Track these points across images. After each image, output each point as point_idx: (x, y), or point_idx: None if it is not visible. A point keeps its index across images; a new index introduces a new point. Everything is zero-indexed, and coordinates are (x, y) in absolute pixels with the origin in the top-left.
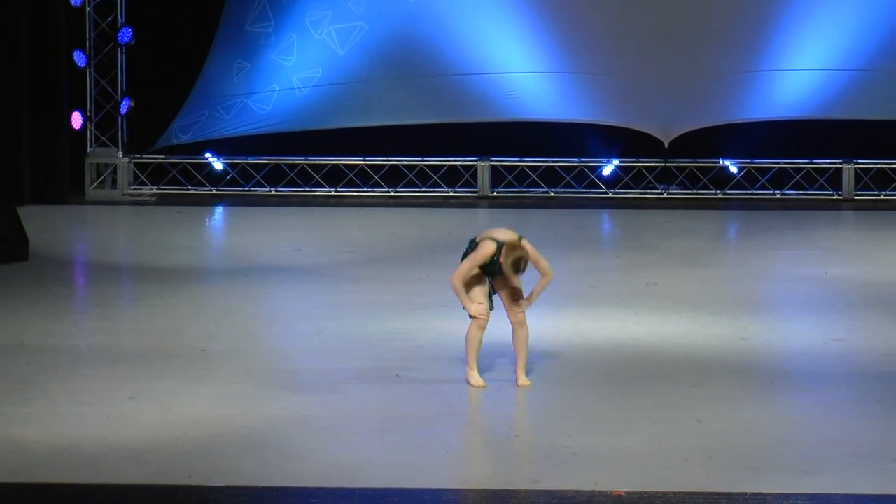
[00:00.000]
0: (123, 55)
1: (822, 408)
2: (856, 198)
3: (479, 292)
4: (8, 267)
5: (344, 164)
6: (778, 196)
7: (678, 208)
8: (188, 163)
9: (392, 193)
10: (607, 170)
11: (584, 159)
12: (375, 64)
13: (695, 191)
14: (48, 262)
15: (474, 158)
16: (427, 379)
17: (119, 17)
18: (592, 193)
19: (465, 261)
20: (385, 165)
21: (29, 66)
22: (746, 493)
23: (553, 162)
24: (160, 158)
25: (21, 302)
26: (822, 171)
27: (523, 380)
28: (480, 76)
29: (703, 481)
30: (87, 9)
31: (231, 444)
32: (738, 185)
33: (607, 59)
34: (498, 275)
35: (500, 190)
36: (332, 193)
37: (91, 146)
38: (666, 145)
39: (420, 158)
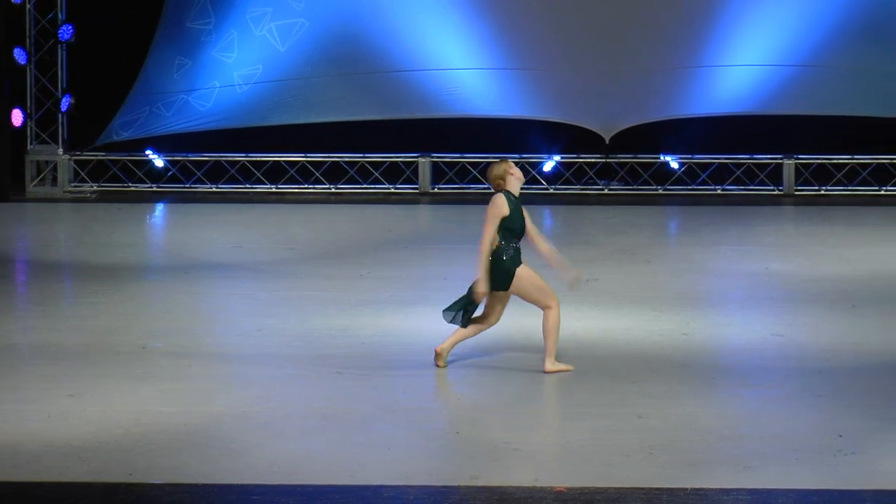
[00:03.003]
0: (64, 52)
1: (762, 403)
2: (796, 193)
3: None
4: None
5: (285, 161)
6: (719, 192)
7: (619, 204)
8: (129, 160)
9: (333, 190)
10: (548, 166)
11: (525, 155)
12: (316, 61)
13: (636, 187)
14: None
15: (415, 155)
16: (368, 375)
17: (59, 14)
18: (534, 189)
19: (485, 224)
20: (326, 162)
21: None
22: (687, 489)
23: (494, 158)
24: (101, 156)
25: None
26: (762, 167)
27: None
28: (421, 73)
29: (644, 477)
30: (28, 6)
31: (172, 442)
32: (679, 181)
33: (548, 55)
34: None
35: (440, 186)
36: (273, 190)
37: (31, 143)
38: (607, 141)
39: (361, 155)
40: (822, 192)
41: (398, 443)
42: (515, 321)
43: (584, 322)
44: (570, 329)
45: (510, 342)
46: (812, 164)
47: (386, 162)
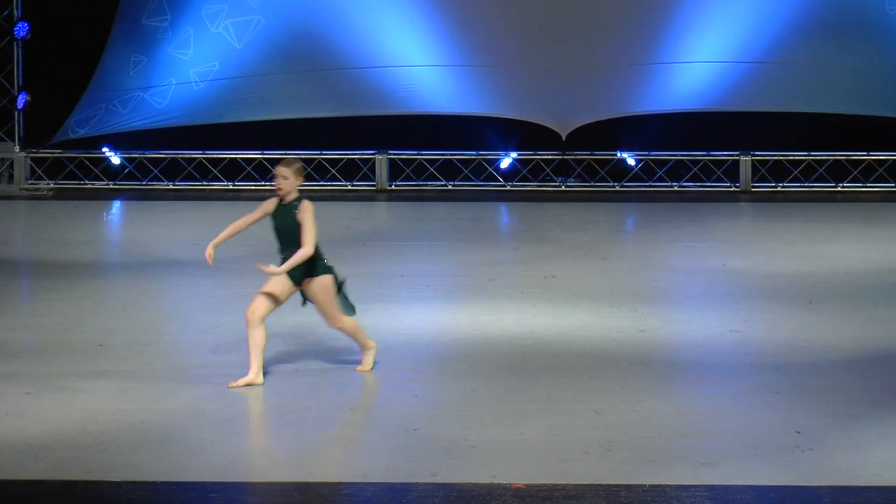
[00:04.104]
0: (20, 49)
1: (720, 399)
2: (753, 189)
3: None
4: None
5: (242, 158)
6: (675, 188)
7: (576, 201)
8: (85, 157)
9: None
10: (505, 163)
11: (481, 152)
12: (273, 58)
13: (593, 183)
14: None
15: (372, 152)
16: (325, 372)
17: (15, 11)
18: (490, 186)
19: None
20: (283, 159)
21: None
22: (645, 485)
23: (451, 155)
24: (57, 153)
25: None
26: (719, 163)
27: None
28: (377, 69)
29: (603, 473)
30: None
31: (129, 439)
32: (635, 178)
33: (504, 52)
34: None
35: (398, 183)
36: (230, 187)
37: None
38: (563, 138)
39: (318, 152)
40: (779, 189)
41: (356, 440)
42: (469, 318)
43: (540, 319)
44: (526, 326)
45: (465, 339)
46: (769, 160)
47: (343, 159)
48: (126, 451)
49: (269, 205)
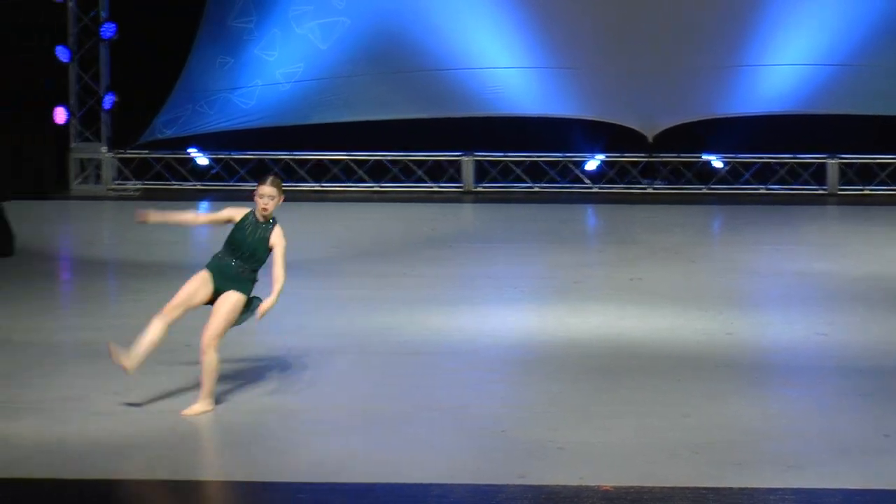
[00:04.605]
0: (106, 50)
1: (806, 402)
2: (840, 192)
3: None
4: None
5: (328, 159)
6: (762, 191)
7: (662, 203)
8: (172, 158)
9: (376, 188)
10: (591, 165)
11: (568, 154)
12: (358, 59)
13: (679, 186)
14: (33, 257)
15: (459, 153)
16: (413, 374)
17: (102, 12)
18: (577, 188)
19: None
20: (369, 160)
21: (11, 60)
22: (734, 488)
23: (537, 157)
24: (144, 153)
25: (6, 298)
26: (806, 166)
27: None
28: (464, 71)
29: (690, 476)
30: (69, 4)
31: (218, 439)
32: (722, 180)
33: (592, 54)
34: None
35: (484, 185)
36: (317, 188)
37: (75, 141)
38: (650, 140)
39: (405, 153)
40: (866, 192)
41: (443, 441)
42: (556, 321)
43: (626, 321)
44: (613, 328)
45: (553, 341)
46: (855, 163)
47: (429, 160)
48: (214, 451)
49: (238, 214)
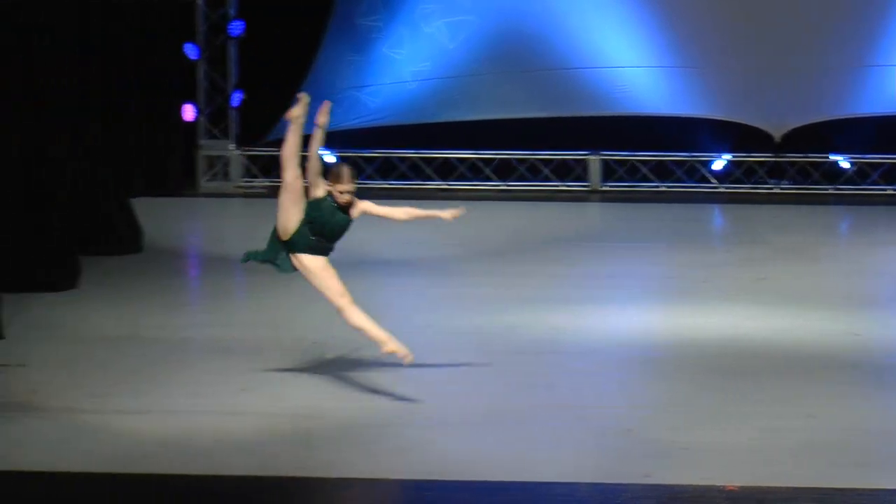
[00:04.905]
0: (234, 48)
1: None
2: None
3: None
4: (121, 259)
5: (455, 158)
6: (890, 191)
7: (789, 203)
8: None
9: (503, 187)
10: (718, 164)
11: (694, 154)
12: (485, 58)
13: (806, 186)
14: (161, 253)
15: (585, 152)
16: (536, 372)
17: (230, 10)
18: (703, 188)
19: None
20: (495, 159)
21: (141, 58)
22: (859, 489)
23: (664, 156)
24: (272, 151)
25: (134, 294)
26: None
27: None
28: (590, 70)
29: (814, 477)
30: (198, 1)
31: (343, 436)
32: (849, 181)
33: (718, 54)
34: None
35: (610, 184)
36: (443, 187)
37: (203, 138)
38: (777, 140)
39: (531, 152)
40: None
41: (568, 440)
42: (682, 320)
43: (752, 321)
44: (738, 328)
45: (678, 341)
46: None
47: (556, 159)
48: (339, 448)
49: (319, 191)
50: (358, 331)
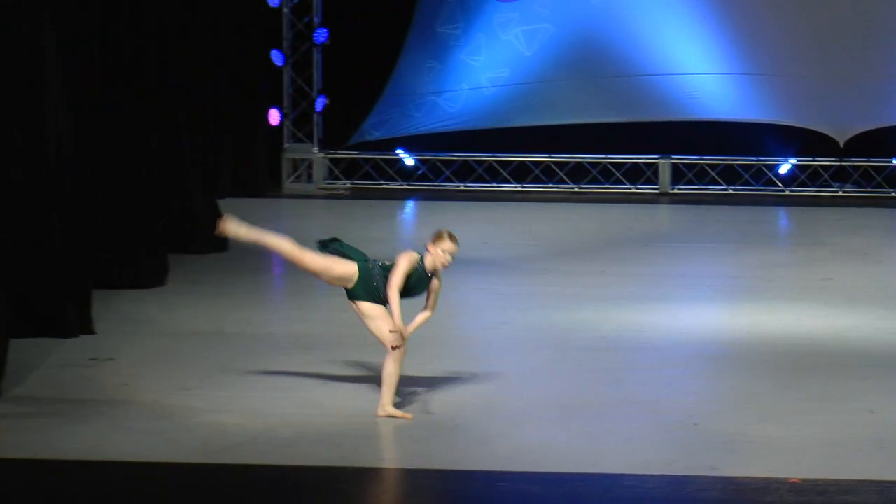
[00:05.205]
0: (319, 55)
1: None
2: None
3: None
4: (208, 257)
5: (530, 161)
6: None
7: (852, 206)
8: (381, 158)
9: (576, 189)
10: (784, 168)
11: (761, 158)
12: (560, 64)
13: (869, 189)
14: (246, 252)
15: (655, 156)
16: (608, 368)
17: (315, 18)
18: (769, 191)
19: (394, 274)
20: (569, 162)
21: (228, 65)
22: None
23: (732, 160)
24: (354, 154)
25: (220, 291)
26: None
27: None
28: (662, 77)
29: (875, 469)
30: (284, 10)
31: (420, 428)
32: None
33: (784, 61)
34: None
35: (680, 187)
36: (518, 189)
37: (287, 142)
38: (841, 145)
39: (603, 156)
40: None
41: (637, 434)
42: (748, 319)
43: (816, 320)
44: (803, 327)
45: (744, 339)
46: None
47: (627, 163)
48: (417, 440)
49: (349, 268)
50: (387, 375)
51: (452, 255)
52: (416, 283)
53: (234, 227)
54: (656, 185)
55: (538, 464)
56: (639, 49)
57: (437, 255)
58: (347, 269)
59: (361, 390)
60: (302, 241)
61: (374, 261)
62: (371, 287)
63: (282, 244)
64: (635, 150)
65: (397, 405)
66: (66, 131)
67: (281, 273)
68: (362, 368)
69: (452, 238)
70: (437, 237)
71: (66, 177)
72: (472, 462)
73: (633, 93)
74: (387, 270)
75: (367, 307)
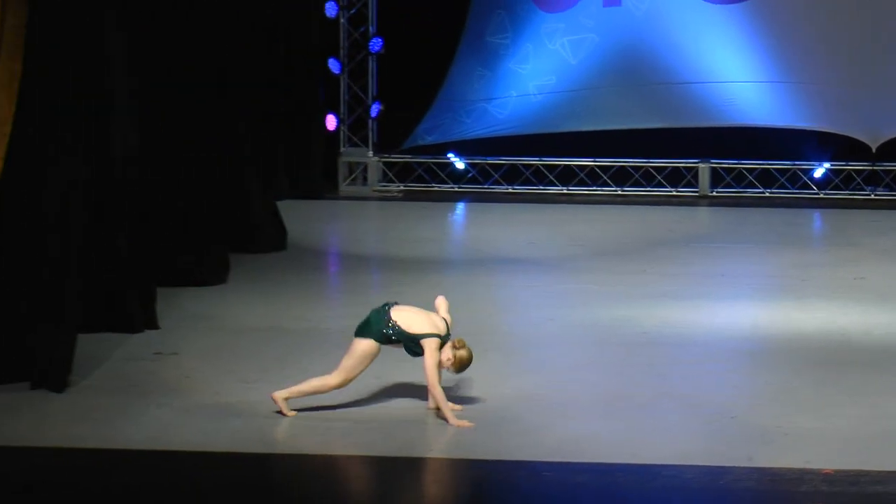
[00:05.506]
0: (374, 63)
1: None
2: None
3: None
4: (267, 256)
5: (575, 165)
6: None
7: (884, 209)
8: (432, 162)
9: (619, 192)
10: (819, 172)
11: (797, 162)
12: (605, 73)
13: None
14: (304, 251)
15: (695, 161)
16: (649, 363)
17: (370, 28)
18: (804, 194)
19: (430, 367)
20: (613, 166)
21: (287, 72)
22: None
23: (769, 165)
24: (407, 158)
25: (279, 288)
26: None
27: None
28: (702, 85)
29: None
30: (341, 20)
31: (469, 420)
32: None
33: (819, 68)
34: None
35: (718, 190)
36: (564, 192)
37: (344, 146)
38: (874, 150)
39: (645, 160)
40: None
41: (677, 426)
42: (783, 316)
43: (849, 317)
44: (836, 324)
45: (779, 335)
46: None
47: (668, 167)
48: (465, 431)
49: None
50: (315, 381)
51: (455, 369)
52: (412, 349)
53: (280, 395)
54: (696, 188)
55: (581, 454)
56: (680, 58)
57: (449, 356)
58: (368, 349)
59: (412, 383)
60: (357, 241)
61: (392, 325)
62: (385, 337)
63: (317, 384)
64: (676, 155)
65: (450, 398)
66: (132, 134)
67: (336, 271)
68: (413, 363)
69: (467, 363)
70: (462, 348)
71: (132, 179)
72: (517, 452)
73: (673, 100)
74: (403, 335)
75: (362, 343)
